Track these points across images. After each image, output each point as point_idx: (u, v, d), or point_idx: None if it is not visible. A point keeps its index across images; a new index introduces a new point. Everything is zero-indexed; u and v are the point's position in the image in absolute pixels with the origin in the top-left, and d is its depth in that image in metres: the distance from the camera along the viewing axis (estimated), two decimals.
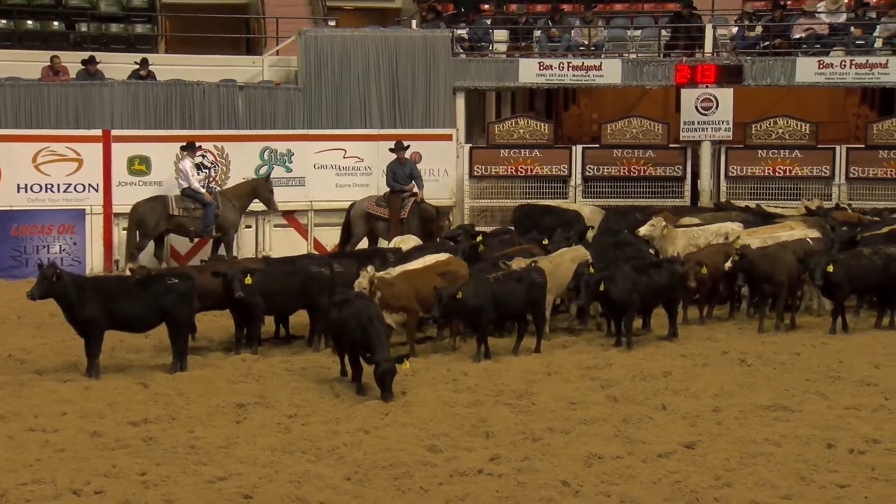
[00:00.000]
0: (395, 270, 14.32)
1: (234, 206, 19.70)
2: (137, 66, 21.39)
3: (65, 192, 20.20)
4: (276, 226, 20.96)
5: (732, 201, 21.06)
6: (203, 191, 19.49)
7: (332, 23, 24.29)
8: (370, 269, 13.90)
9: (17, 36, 22.94)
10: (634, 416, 11.28)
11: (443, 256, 15.03)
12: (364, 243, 19.83)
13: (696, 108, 22.01)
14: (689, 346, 14.66)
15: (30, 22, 23.51)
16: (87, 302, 12.85)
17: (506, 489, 9.21)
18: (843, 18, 23.20)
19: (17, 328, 15.81)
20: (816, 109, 24.03)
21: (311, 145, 21.32)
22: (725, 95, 22.00)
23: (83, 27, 23.60)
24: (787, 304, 15.96)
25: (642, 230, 17.41)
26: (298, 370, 13.37)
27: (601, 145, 22.32)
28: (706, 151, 22.16)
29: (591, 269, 14.41)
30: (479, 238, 16.42)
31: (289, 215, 20.91)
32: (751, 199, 21.20)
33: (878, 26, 23.06)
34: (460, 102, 22.73)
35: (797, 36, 22.93)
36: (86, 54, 21.48)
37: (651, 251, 16.88)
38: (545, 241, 16.77)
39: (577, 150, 22.18)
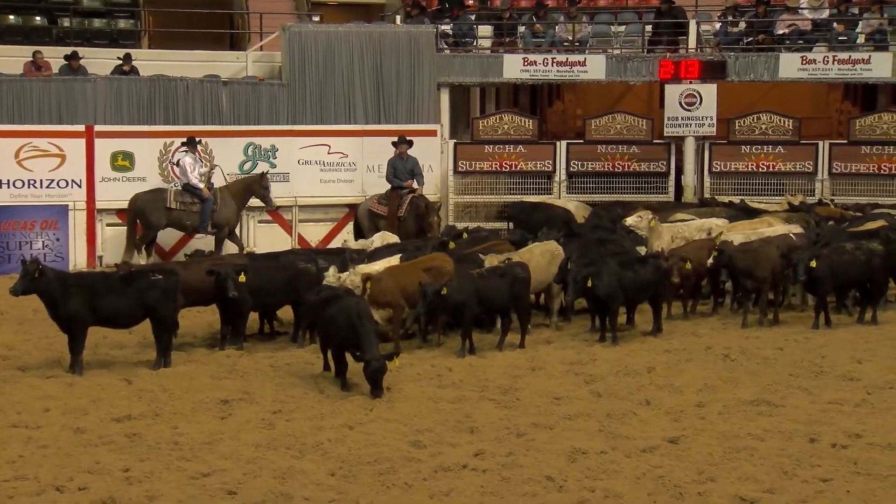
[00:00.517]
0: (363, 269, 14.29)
1: (232, 203, 19.63)
2: (120, 62, 21.32)
3: (48, 187, 20.11)
4: (260, 221, 20.93)
5: (717, 197, 21.14)
6: (202, 186, 19.41)
7: (317, 18, 24.27)
8: (332, 269, 13.91)
9: None
10: (618, 411, 11.32)
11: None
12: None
13: (680, 103, 22.06)
14: (673, 341, 14.70)
15: (12, 17, 23.38)
16: (70, 298, 12.79)
17: (490, 484, 9.22)
18: (825, 14, 23.26)
19: (0, 325, 15.75)
20: (799, 105, 24.09)
21: (295, 141, 21.29)
22: (709, 91, 22.05)
23: (66, 22, 23.48)
24: (771, 299, 16.02)
25: (629, 219, 17.47)
26: (283, 366, 13.36)
27: (585, 141, 22.35)
28: (690, 147, 22.21)
29: (570, 265, 14.49)
30: (462, 236, 16.39)
31: (273, 211, 20.87)
32: (734, 195, 21.28)
33: (860, 22, 23.13)
34: (444, 98, 22.73)
35: (780, 32, 22.99)
36: (68, 49, 21.38)
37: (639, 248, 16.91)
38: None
39: (562, 145, 22.20)
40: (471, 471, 9.54)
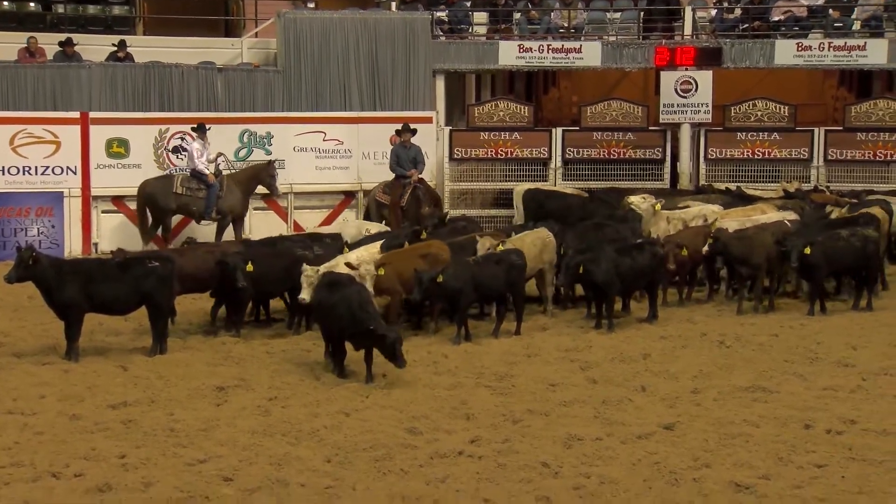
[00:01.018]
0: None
1: (237, 191, 19.57)
2: (115, 48, 21.27)
3: (43, 174, 20.07)
4: (255, 209, 20.86)
5: (713, 184, 21.13)
6: (208, 172, 19.34)
7: (312, 5, 24.18)
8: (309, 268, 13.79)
9: None
10: (614, 397, 11.33)
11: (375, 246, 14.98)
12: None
13: (676, 90, 22.03)
14: (668, 328, 14.72)
15: (6, 3, 23.33)
16: (66, 285, 12.77)
17: (486, 471, 9.24)
18: (821, 1, 23.24)
19: None
20: (795, 92, 24.08)
21: (290, 128, 21.24)
22: (705, 78, 22.02)
23: (60, 8, 23.42)
24: (766, 286, 16.04)
25: (633, 198, 17.47)
26: (279, 353, 13.37)
27: (581, 128, 22.30)
28: (686, 134, 22.18)
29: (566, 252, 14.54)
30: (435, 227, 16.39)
31: (269, 198, 20.84)
32: (730, 182, 21.26)
33: (855, 9, 23.12)
34: (440, 85, 22.70)
35: (776, 18, 22.97)
36: (63, 36, 21.33)
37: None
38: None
39: (557, 132, 22.17)
40: (467, 457, 9.55)
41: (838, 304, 16.12)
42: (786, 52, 22.20)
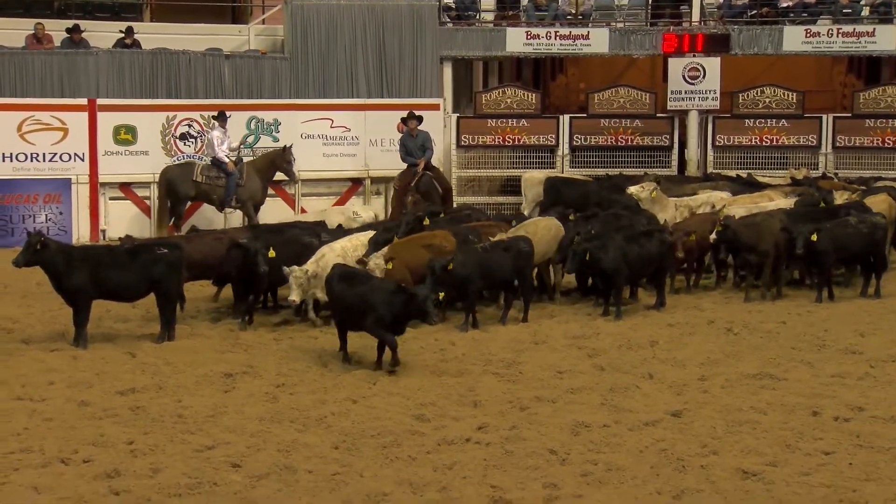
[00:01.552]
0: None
1: (256, 178, 19.58)
2: (122, 35, 21.28)
3: (50, 161, 20.12)
4: None
5: (721, 172, 21.10)
6: (228, 160, 19.36)
7: None
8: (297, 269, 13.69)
9: (0, 4, 22.72)
10: (621, 384, 11.33)
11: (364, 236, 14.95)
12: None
13: (684, 77, 21.99)
14: (675, 315, 14.71)
15: None
16: (74, 271, 12.78)
17: (493, 458, 9.24)
18: None
19: (3, 297, 15.77)
20: (803, 78, 24.03)
21: (297, 115, 21.26)
22: (713, 64, 21.98)
23: None
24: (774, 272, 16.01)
25: (632, 188, 17.46)
26: (286, 340, 13.39)
27: (588, 115, 22.29)
28: (693, 121, 22.16)
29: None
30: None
31: (276, 185, 20.84)
32: (738, 169, 21.25)
33: None
34: (447, 72, 22.69)
35: (784, 4, 22.91)
36: (70, 22, 21.36)
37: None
38: (571, 217, 16.57)
39: (565, 119, 22.15)
40: (474, 444, 9.56)
41: (846, 292, 16.08)
42: (794, 38, 22.16)
